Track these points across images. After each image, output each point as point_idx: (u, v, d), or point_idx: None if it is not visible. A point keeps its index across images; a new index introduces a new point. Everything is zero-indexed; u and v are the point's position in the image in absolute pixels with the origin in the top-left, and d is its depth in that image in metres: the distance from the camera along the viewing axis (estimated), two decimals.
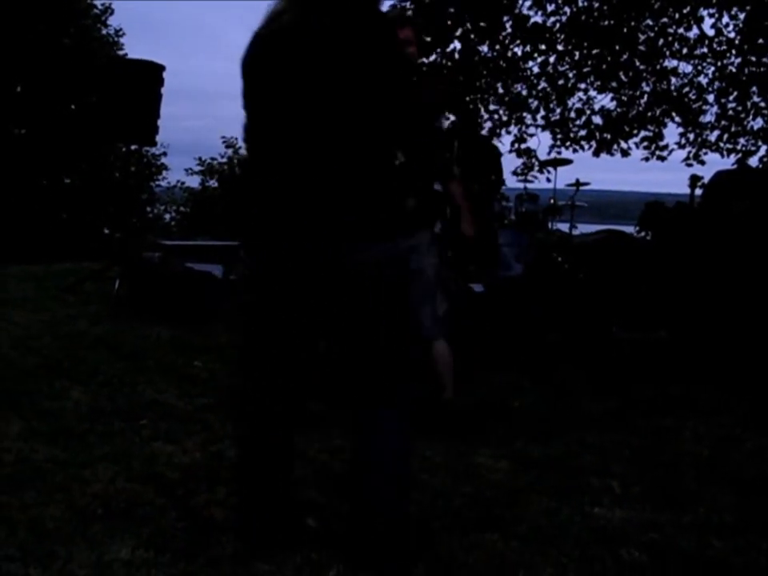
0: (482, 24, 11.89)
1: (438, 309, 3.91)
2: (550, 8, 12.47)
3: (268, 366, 2.57)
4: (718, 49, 12.82)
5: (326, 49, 2.36)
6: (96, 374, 4.57)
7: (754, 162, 13.29)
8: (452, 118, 12.32)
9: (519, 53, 12.94)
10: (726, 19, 12.43)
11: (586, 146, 13.95)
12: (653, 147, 14.04)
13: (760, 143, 13.49)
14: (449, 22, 11.77)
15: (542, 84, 13.48)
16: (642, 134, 13.91)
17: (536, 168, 13.68)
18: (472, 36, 12.28)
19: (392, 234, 2.50)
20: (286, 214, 2.43)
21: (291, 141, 2.41)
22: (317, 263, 2.41)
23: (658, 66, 13.14)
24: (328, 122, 2.37)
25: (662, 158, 14.19)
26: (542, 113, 13.76)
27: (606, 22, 12.27)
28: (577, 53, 12.87)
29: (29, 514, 2.66)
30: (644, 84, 13.40)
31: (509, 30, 12.61)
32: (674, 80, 13.37)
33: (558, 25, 12.59)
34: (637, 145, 14.01)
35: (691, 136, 13.96)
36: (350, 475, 2.56)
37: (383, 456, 2.45)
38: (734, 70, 12.80)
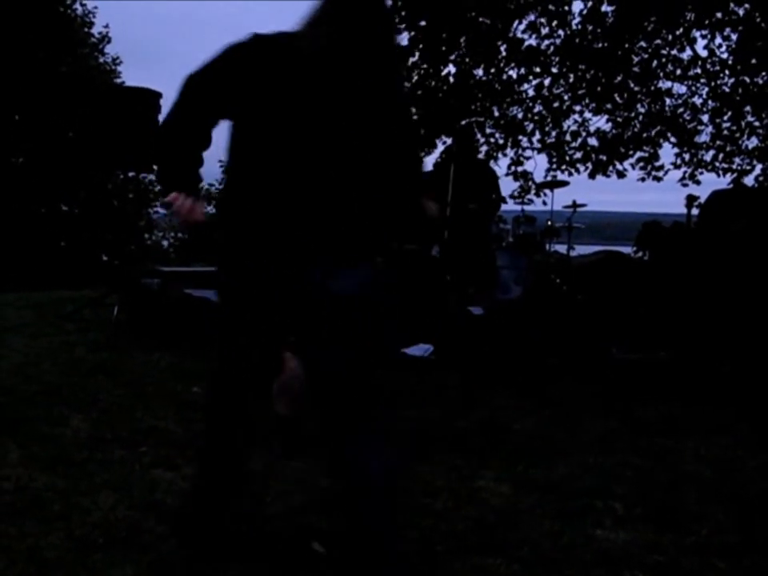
0: (477, 48, 11.99)
1: None
2: (544, 31, 12.59)
3: (233, 387, 2.56)
4: (712, 69, 12.91)
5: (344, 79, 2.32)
6: (95, 401, 4.55)
7: (749, 181, 13.35)
8: (448, 141, 12.40)
9: (514, 76, 13.04)
10: (718, 40, 12.55)
11: (582, 168, 14.01)
12: (648, 168, 14.12)
13: (755, 162, 13.56)
14: (443, 48, 11.87)
15: (538, 107, 13.57)
16: (638, 154, 14.00)
17: (533, 191, 13.75)
18: (467, 59, 12.38)
19: (370, 258, 2.49)
20: (263, 237, 2.40)
21: (287, 164, 2.35)
22: (291, 287, 2.39)
23: (653, 88, 13.23)
24: (326, 150, 2.34)
25: (657, 179, 14.26)
26: (538, 135, 13.84)
27: (600, 45, 12.37)
28: (571, 75, 12.97)
29: (28, 544, 2.64)
30: (639, 105, 13.48)
31: (503, 54, 12.71)
32: (668, 101, 13.47)
33: (552, 48, 12.70)
34: (633, 166, 14.09)
35: (686, 156, 14.04)
36: (342, 503, 2.50)
37: (379, 480, 2.43)
38: (727, 90, 12.88)
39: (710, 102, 13.36)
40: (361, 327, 2.43)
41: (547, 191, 9.85)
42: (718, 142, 13.72)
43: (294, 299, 2.40)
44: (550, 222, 8.38)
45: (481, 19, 11.78)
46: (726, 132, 13.55)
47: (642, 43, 12.67)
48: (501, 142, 13.95)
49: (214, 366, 2.60)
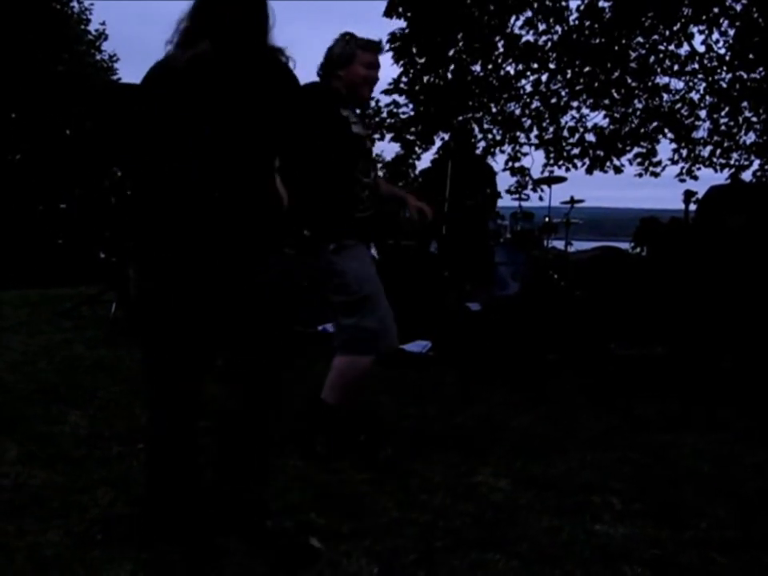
0: (474, 44, 11.99)
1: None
2: (542, 27, 12.59)
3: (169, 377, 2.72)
4: (709, 65, 12.92)
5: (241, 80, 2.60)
6: (93, 398, 4.55)
7: (746, 176, 13.37)
8: (446, 137, 12.41)
9: (512, 72, 13.04)
10: (716, 35, 12.55)
11: (580, 164, 14.02)
12: (646, 163, 14.13)
13: (753, 157, 13.57)
14: (437, 40, 11.86)
15: (535, 103, 13.57)
16: (635, 150, 14.01)
17: (530, 186, 13.75)
18: (464, 56, 12.38)
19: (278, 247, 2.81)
20: (182, 226, 2.58)
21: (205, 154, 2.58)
22: (213, 279, 2.60)
23: (650, 83, 13.24)
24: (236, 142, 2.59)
25: (655, 174, 14.26)
26: (536, 131, 13.85)
27: (598, 40, 12.38)
28: (569, 71, 12.98)
29: (27, 541, 2.64)
30: (636, 101, 13.49)
31: (501, 50, 12.71)
32: (665, 96, 13.48)
33: (549, 43, 12.71)
34: (630, 161, 14.10)
35: (684, 152, 14.05)
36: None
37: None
38: (725, 85, 12.89)
39: (707, 97, 13.37)
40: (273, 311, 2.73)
41: (545, 187, 9.85)
42: (715, 138, 13.74)
43: (217, 290, 2.61)
44: (547, 218, 8.38)
45: (477, 13, 11.77)
46: (723, 127, 13.56)
47: (640, 39, 12.68)
48: (498, 138, 13.96)
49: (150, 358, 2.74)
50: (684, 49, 12.86)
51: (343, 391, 3.69)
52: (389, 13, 11.97)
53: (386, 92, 12.95)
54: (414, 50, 12.32)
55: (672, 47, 12.88)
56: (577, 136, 13.94)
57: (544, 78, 13.17)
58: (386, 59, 11.91)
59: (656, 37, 12.70)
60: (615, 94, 13.17)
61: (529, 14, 12.39)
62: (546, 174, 13.47)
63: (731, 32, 12.24)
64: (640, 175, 14.29)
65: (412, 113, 13.23)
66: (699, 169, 14.06)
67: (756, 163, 13.65)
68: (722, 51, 12.65)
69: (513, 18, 12.34)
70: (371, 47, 3.83)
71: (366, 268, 3.69)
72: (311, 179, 3.53)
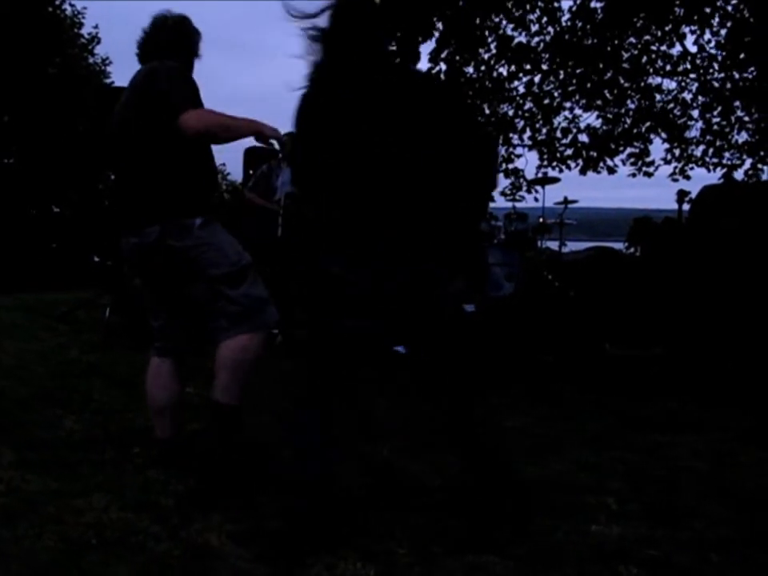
0: (466, 45, 11.98)
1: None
2: (534, 28, 12.58)
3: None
4: (701, 65, 12.93)
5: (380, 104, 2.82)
6: (88, 402, 4.54)
7: (739, 175, 13.39)
8: None
9: (504, 73, 13.02)
10: (707, 35, 12.56)
11: (573, 165, 14.02)
12: (639, 163, 14.12)
13: (745, 157, 13.59)
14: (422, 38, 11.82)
15: (528, 104, 13.56)
16: (628, 150, 14.00)
17: (524, 188, 13.75)
18: (457, 57, 12.36)
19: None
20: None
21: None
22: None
23: (643, 83, 13.24)
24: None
25: (648, 174, 14.25)
26: (529, 132, 13.83)
27: (590, 41, 12.38)
28: (561, 72, 12.97)
29: (22, 546, 2.63)
30: (629, 101, 13.49)
31: (493, 51, 12.70)
32: (658, 96, 13.47)
33: (542, 44, 12.70)
34: (623, 161, 14.10)
35: (677, 151, 14.04)
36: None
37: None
38: (717, 85, 12.90)
39: (699, 97, 13.37)
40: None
41: (538, 188, 9.86)
42: (707, 137, 13.74)
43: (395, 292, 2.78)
44: (541, 219, 8.40)
45: (466, 12, 11.75)
46: (715, 127, 13.56)
47: (632, 39, 12.68)
48: None
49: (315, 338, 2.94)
50: (676, 49, 12.87)
51: (242, 383, 3.41)
52: None
53: None
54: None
55: (664, 47, 12.89)
56: (570, 137, 13.94)
57: (537, 79, 13.16)
58: None
59: (648, 37, 12.70)
60: (608, 95, 13.17)
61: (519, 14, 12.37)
62: (540, 175, 13.47)
63: (723, 32, 12.26)
64: (633, 175, 14.30)
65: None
66: (692, 168, 14.06)
67: (748, 162, 13.67)
68: (714, 51, 12.68)
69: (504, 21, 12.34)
70: None
71: (233, 239, 3.53)
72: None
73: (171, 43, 3.56)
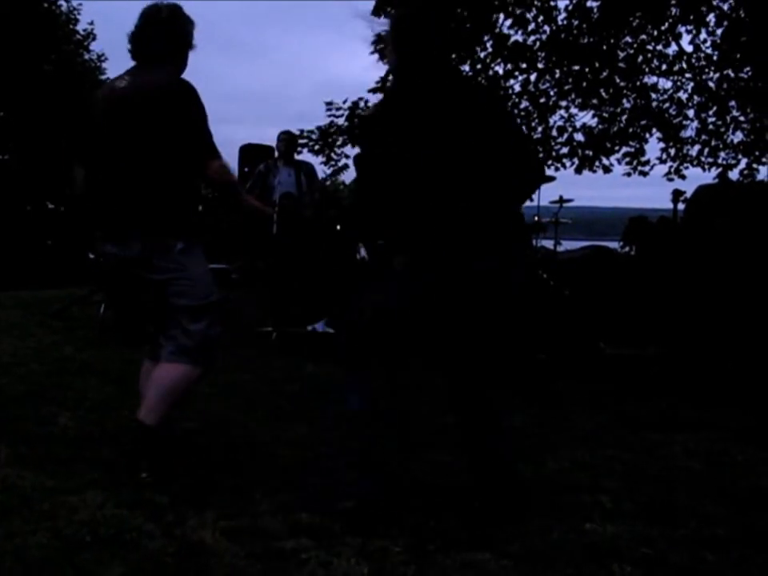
0: (462, 43, 11.97)
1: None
2: (530, 26, 12.59)
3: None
4: (697, 64, 12.96)
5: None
6: (83, 399, 4.53)
7: (734, 175, 13.44)
8: None
9: (500, 71, 13.03)
10: (703, 35, 12.59)
11: (569, 164, 14.04)
12: (634, 163, 14.16)
13: (740, 156, 13.63)
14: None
15: (524, 102, 13.57)
16: (624, 149, 14.03)
17: None
18: (453, 55, 12.35)
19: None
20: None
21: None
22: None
23: (638, 83, 13.27)
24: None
25: (643, 174, 14.29)
26: (524, 131, 13.84)
27: (586, 40, 12.39)
28: (557, 71, 12.98)
29: (15, 543, 2.62)
30: (625, 100, 13.52)
31: (489, 49, 12.71)
32: (654, 96, 13.51)
33: (538, 43, 12.70)
34: (619, 161, 14.13)
35: (672, 151, 14.09)
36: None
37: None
38: (712, 84, 12.93)
39: (695, 96, 13.41)
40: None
41: None
42: (703, 137, 13.79)
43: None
44: (536, 218, 8.38)
45: (462, 12, 11.75)
46: (711, 126, 13.61)
47: (628, 38, 12.70)
48: None
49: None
50: (672, 48, 12.91)
51: (168, 408, 3.37)
52: (377, 12, 11.97)
53: (373, 90, 12.91)
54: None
55: (660, 47, 12.93)
56: (565, 135, 13.97)
57: (533, 77, 13.18)
58: (372, 59, 11.95)
59: (644, 37, 12.73)
60: (604, 94, 13.20)
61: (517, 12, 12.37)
62: None
63: (719, 32, 12.29)
64: (629, 174, 14.33)
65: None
66: (687, 168, 14.11)
67: (743, 162, 13.73)
68: (710, 51, 12.70)
69: (501, 18, 12.34)
70: None
71: (208, 271, 3.48)
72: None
73: (166, 37, 3.44)
